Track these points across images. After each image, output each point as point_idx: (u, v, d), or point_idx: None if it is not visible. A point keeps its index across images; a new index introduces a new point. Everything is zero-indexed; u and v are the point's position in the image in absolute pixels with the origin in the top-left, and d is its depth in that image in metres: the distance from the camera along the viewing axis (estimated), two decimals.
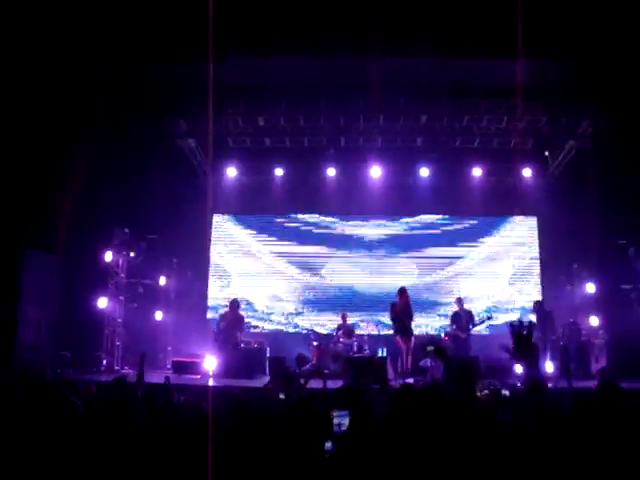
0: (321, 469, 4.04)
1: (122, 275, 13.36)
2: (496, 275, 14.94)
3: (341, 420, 4.98)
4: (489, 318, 12.63)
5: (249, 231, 15.13)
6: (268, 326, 14.56)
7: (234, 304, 12.38)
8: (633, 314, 12.48)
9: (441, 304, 14.60)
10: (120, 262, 13.32)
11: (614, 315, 12.76)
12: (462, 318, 12.32)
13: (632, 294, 12.69)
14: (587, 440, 4.30)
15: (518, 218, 15.07)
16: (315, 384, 8.68)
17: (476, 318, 12.40)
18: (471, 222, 15.14)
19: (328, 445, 4.60)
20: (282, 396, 6.86)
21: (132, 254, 13.25)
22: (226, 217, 15.20)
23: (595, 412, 5.12)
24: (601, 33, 10.48)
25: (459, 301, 12.60)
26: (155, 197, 12.83)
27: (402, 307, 11.55)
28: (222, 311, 13.07)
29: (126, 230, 13.15)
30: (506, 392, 8.03)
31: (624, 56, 11.03)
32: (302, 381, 8.18)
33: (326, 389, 7.80)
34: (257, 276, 14.90)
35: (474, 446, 4.25)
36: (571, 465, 4.06)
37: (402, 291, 11.66)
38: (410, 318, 11.61)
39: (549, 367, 11.62)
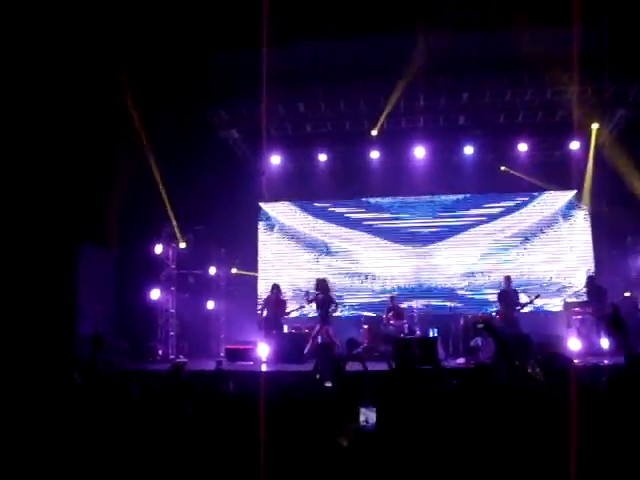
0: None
1: (173, 266, 13.63)
2: (548, 252, 14.65)
3: (368, 416, 5.00)
4: (537, 297, 12.34)
5: (296, 217, 15.23)
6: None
7: (275, 288, 12.40)
8: None
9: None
10: (170, 254, 13.58)
11: None
12: (511, 296, 12.14)
13: None
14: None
15: (567, 192, 14.71)
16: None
17: (524, 297, 12.20)
18: (520, 199, 14.88)
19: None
20: (329, 384, 6.91)
21: (182, 245, 13.47)
22: (273, 204, 15.31)
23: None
24: None
25: (507, 279, 12.40)
26: (202, 188, 13.04)
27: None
28: (264, 296, 13.09)
29: (174, 222, 13.39)
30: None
31: None
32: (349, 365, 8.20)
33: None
34: (305, 263, 14.97)
35: (526, 423, 4.22)
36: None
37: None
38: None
39: (604, 343, 11.40)
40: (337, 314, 12.34)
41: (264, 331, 11.97)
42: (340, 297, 14.13)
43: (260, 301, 13.65)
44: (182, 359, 12.59)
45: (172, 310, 13.53)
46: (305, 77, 12.35)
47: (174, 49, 11.07)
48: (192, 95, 12.08)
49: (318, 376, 8.26)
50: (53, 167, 11.61)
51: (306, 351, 11.52)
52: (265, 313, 12.17)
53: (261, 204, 15.20)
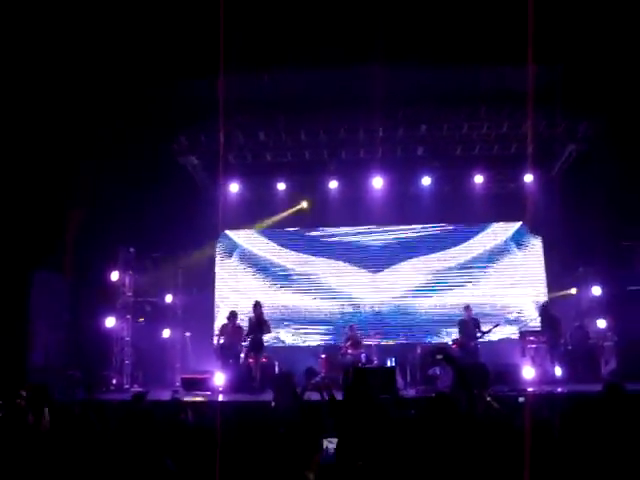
0: None
1: (129, 294, 13.42)
2: (502, 281, 14.93)
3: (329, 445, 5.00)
4: (496, 326, 12.56)
5: (254, 246, 15.18)
6: (276, 340, 14.54)
7: (232, 315, 12.23)
8: None
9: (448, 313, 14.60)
10: (126, 281, 13.38)
11: (622, 317, 12.73)
12: (470, 325, 12.29)
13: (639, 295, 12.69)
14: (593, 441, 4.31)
15: (522, 224, 15.08)
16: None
17: (483, 327, 12.37)
18: (475, 229, 15.17)
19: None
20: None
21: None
22: (229, 233, 15.24)
23: (600, 414, 5.12)
24: (594, 36, 10.57)
25: (467, 308, 12.57)
26: (160, 215, 12.91)
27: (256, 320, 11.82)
28: (220, 324, 12.89)
29: (131, 249, 13.23)
30: (522, 398, 8.05)
31: (619, 57, 11.09)
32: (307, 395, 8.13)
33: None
34: (263, 291, 14.89)
35: (487, 451, 4.26)
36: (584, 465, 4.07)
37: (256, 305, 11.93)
38: (262, 332, 11.88)
39: (558, 371, 11.65)
40: (294, 342, 12.28)
41: (221, 360, 11.80)
42: (293, 323, 14.29)
43: (216, 330, 13.47)
44: (137, 389, 12.36)
45: (127, 338, 13.28)
46: (266, 106, 12.45)
47: (137, 75, 11.02)
48: (154, 122, 12.01)
49: (274, 405, 8.18)
50: (5, 188, 11.37)
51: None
52: (222, 341, 12.00)
53: (221, 232, 15.12)
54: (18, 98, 10.71)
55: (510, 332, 14.19)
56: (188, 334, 13.92)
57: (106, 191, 12.56)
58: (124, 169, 12.69)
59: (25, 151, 11.40)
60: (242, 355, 12.12)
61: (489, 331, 12.19)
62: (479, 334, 12.12)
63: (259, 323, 11.82)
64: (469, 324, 12.32)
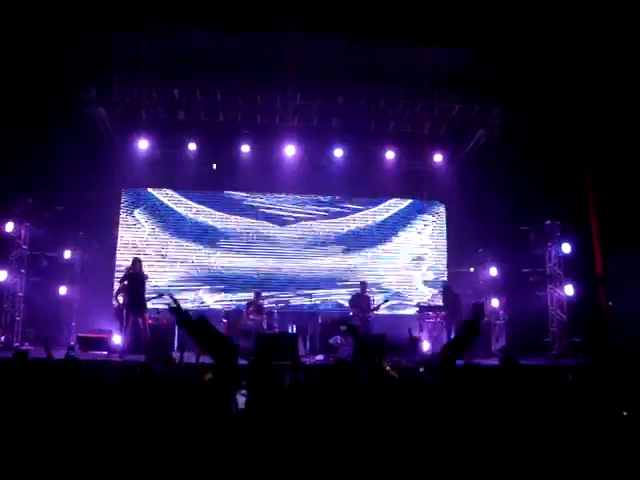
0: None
1: (24, 247, 12.76)
2: (404, 258, 15.32)
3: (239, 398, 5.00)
4: (386, 301, 13.19)
5: (159, 205, 14.79)
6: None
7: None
8: (531, 296, 13.18)
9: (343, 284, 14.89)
10: (22, 233, 12.72)
11: (514, 297, 13.40)
12: (361, 301, 12.58)
13: (531, 277, 13.37)
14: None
15: (427, 202, 15.51)
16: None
17: (374, 303, 12.70)
18: (382, 205, 15.44)
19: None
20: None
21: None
22: (136, 190, 14.79)
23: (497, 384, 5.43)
24: (514, 27, 10.92)
25: (363, 285, 12.85)
26: (62, 167, 12.33)
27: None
28: (124, 270, 12.33)
29: (29, 200, 12.57)
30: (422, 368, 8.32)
31: (533, 51, 11.52)
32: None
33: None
34: (165, 253, 14.59)
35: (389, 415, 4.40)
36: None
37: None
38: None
39: None
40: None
41: (126, 308, 11.19)
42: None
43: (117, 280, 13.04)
44: (28, 347, 11.88)
45: (20, 294, 12.65)
46: (183, 64, 12.13)
47: (50, 22, 10.45)
48: (64, 70, 11.42)
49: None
50: None
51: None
52: (121, 299, 11.52)
53: (124, 189, 14.64)
54: None
55: (409, 307, 14.64)
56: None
57: (6, 136, 11.88)
58: (27, 117, 12.06)
59: None
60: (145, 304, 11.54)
61: (378, 306, 12.64)
62: (372, 310, 12.46)
63: (139, 280, 11.40)
64: (364, 299, 12.62)
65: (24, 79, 11.55)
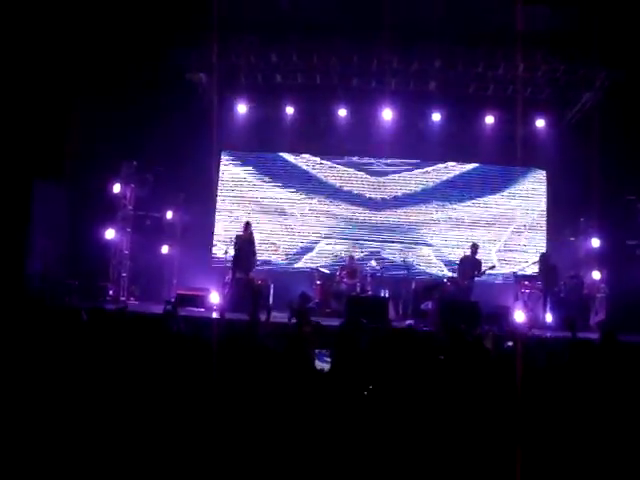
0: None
1: (129, 207, 13.42)
2: (505, 225, 14.93)
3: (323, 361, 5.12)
4: (492, 268, 12.82)
5: (257, 169, 15.08)
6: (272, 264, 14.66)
7: (248, 225, 12.27)
8: (636, 270, 12.56)
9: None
10: (128, 194, 13.36)
11: (617, 270, 12.84)
12: (468, 264, 12.37)
13: (637, 250, 12.74)
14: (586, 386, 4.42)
15: (529, 169, 14.97)
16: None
17: (483, 267, 12.45)
18: (482, 170, 15.06)
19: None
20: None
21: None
22: (235, 153, 15.12)
23: (596, 361, 5.26)
24: None
25: (473, 246, 12.58)
26: (165, 131, 12.80)
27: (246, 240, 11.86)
28: (220, 250, 12.89)
29: (134, 162, 13.15)
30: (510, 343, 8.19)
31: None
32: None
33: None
34: (264, 214, 14.89)
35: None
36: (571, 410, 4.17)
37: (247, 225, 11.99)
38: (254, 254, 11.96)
39: (549, 318, 11.84)
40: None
41: (234, 267, 11.89)
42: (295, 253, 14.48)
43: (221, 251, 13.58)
44: (133, 302, 12.58)
45: (126, 252, 13.36)
46: (279, 28, 12.18)
47: None
48: (163, 35, 11.75)
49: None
50: (8, 97, 11.21)
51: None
52: (237, 247, 12.04)
53: (223, 152, 15.00)
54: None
55: (506, 275, 14.34)
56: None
57: (110, 103, 12.42)
58: (132, 83, 12.53)
59: (28, 59, 11.21)
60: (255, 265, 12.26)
61: (484, 272, 12.32)
62: (475, 273, 12.22)
63: (250, 243, 11.87)
64: (468, 262, 12.40)
65: (126, 46, 11.93)
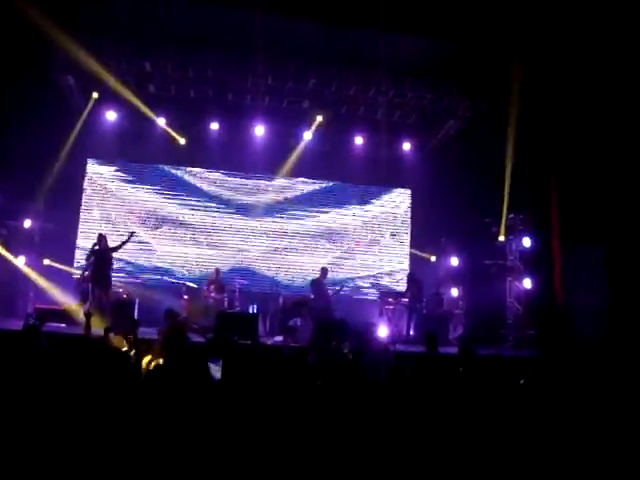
0: None
1: None
2: (369, 243, 15.40)
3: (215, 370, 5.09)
4: (342, 287, 13.41)
5: (124, 179, 14.60)
6: (138, 278, 14.22)
7: (102, 237, 11.34)
8: (490, 287, 13.41)
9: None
10: None
11: (474, 287, 13.64)
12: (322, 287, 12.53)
13: (492, 269, 13.61)
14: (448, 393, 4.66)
15: (394, 189, 15.59)
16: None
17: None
18: (349, 190, 15.47)
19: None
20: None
21: None
22: (101, 162, 14.56)
23: (455, 372, 5.56)
24: (492, 23, 11.00)
25: (323, 271, 12.64)
26: (25, 133, 12.08)
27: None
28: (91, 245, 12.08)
29: None
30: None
31: (507, 49, 11.64)
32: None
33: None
34: (128, 228, 14.39)
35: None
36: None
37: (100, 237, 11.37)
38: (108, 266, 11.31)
39: (411, 332, 12.39)
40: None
41: (91, 280, 11.03)
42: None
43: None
44: None
45: None
46: (155, 36, 11.94)
47: None
48: (27, 30, 11.10)
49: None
50: None
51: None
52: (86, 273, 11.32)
53: (89, 160, 14.42)
54: None
55: (373, 292, 14.78)
56: (47, 262, 13.09)
57: None
58: None
59: None
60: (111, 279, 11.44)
61: (336, 293, 12.55)
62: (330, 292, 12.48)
63: (105, 257, 11.21)
64: (323, 284, 12.55)
65: None
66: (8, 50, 11.40)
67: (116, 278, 11.63)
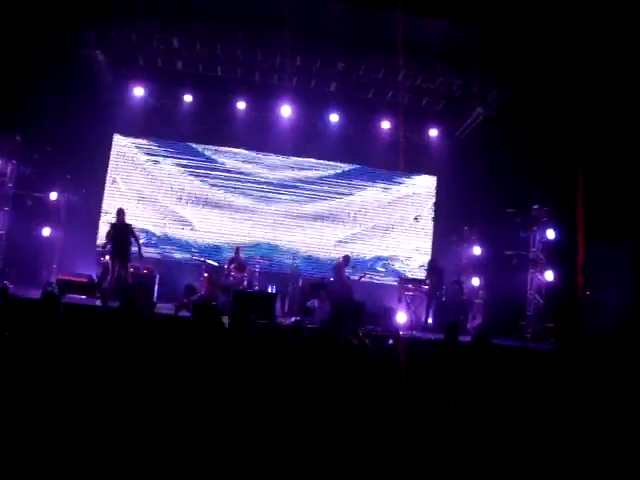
0: None
1: (10, 185, 12.64)
2: (393, 228, 15.33)
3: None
4: (363, 276, 13.33)
5: (150, 156, 14.69)
6: (159, 254, 14.34)
7: (120, 212, 11.28)
8: (512, 278, 13.29)
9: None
10: (9, 171, 12.58)
11: (495, 278, 13.52)
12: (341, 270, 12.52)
13: (514, 260, 13.47)
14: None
15: (419, 175, 15.48)
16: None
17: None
18: (374, 174, 15.39)
19: None
20: None
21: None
22: (128, 138, 14.65)
23: (469, 361, 5.53)
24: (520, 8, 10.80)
25: (346, 258, 12.60)
26: (56, 107, 12.17)
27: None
28: (111, 221, 12.11)
29: (17, 137, 12.41)
30: (391, 341, 8.44)
31: (536, 34, 11.42)
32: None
33: None
34: (154, 202, 14.55)
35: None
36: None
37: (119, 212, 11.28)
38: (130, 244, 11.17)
39: (430, 320, 12.36)
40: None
41: (110, 256, 11.12)
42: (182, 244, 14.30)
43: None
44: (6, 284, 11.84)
45: (2, 231, 12.58)
46: (184, 13, 11.91)
47: None
48: (62, 9, 11.16)
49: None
50: None
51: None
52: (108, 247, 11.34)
53: (115, 135, 14.51)
54: None
55: (392, 278, 14.73)
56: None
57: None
58: (20, 54, 11.81)
59: None
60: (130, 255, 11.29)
61: (360, 278, 12.72)
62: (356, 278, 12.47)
63: (124, 232, 11.14)
64: (343, 270, 12.47)
65: (16, 15, 11.25)
66: (40, 26, 11.46)
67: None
